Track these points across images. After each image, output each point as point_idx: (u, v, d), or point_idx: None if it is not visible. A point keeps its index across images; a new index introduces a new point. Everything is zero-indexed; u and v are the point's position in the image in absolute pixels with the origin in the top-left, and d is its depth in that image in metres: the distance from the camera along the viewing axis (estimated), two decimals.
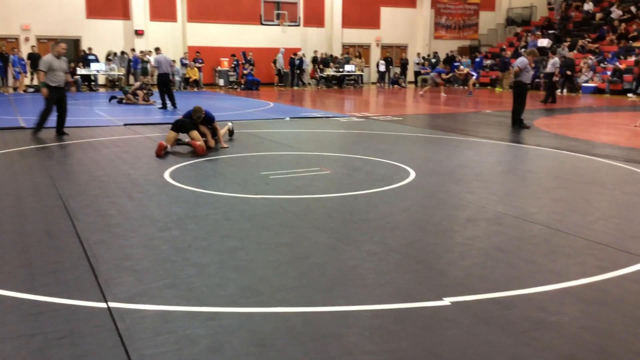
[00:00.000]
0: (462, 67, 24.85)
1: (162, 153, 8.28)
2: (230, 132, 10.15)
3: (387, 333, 3.09)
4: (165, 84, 15.42)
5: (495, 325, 3.18)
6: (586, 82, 22.90)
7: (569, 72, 21.89)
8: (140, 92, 17.26)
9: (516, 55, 24.67)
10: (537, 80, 23.60)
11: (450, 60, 28.54)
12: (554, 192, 6.35)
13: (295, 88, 26.61)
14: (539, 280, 3.81)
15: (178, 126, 8.72)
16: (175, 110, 14.90)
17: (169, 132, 8.73)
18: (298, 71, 27.17)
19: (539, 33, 28.17)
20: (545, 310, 3.36)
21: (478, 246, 4.50)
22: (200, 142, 8.47)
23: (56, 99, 10.19)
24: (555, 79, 19.04)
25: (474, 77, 22.81)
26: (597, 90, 22.64)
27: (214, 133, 9.13)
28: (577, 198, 6.09)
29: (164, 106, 15.36)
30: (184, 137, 8.85)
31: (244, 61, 25.86)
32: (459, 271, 3.97)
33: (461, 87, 26.17)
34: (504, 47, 29.28)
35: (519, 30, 31.23)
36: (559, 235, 4.77)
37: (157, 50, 16.59)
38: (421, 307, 3.41)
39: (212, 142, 8.93)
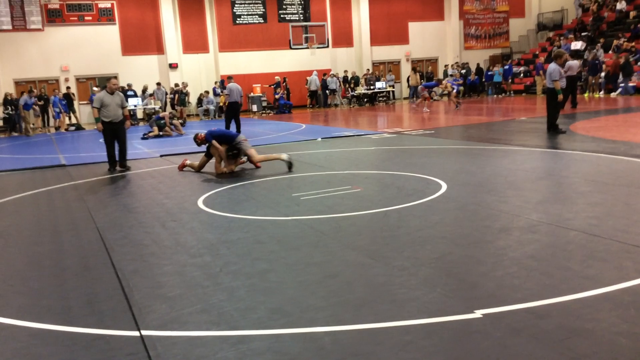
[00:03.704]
0: (445, 81, 23.70)
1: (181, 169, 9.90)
2: (289, 165, 9.20)
3: (417, 349, 3.05)
4: (234, 112, 15.66)
5: (528, 335, 3.10)
6: (621, 83, 22.29)
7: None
8: (176, 122, 17.68)
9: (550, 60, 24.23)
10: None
11: (479, 71, 28.24)
12: (590, 197, 6.19)
13: (328, 108, 26.77)
14: (574, 287, 3.70)
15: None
16: None
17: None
18: (329, 92, 27.36)
19: (571, 36, 27.69)
20: (581, 317, 3.27)
21: (511, 256, 4.41)
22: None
23: (111, 133, 10.42)
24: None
25: (454, 90, 21.79)
26: (637, 90, 22.02)
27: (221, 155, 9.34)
28: (614, 201, 5.92)
29: None
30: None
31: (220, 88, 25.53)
32: (491, 282, 3.90)
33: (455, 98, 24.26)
34: (537, 52, 28.88)
35: (551, 34, 30.78)
36: (595, 240, 4.64)
37: (230, 79, 16.45)
38: (452, 321, 3.35)
39: (219, 167, 9.28)
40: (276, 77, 26.10)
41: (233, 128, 15.28)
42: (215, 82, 26.10)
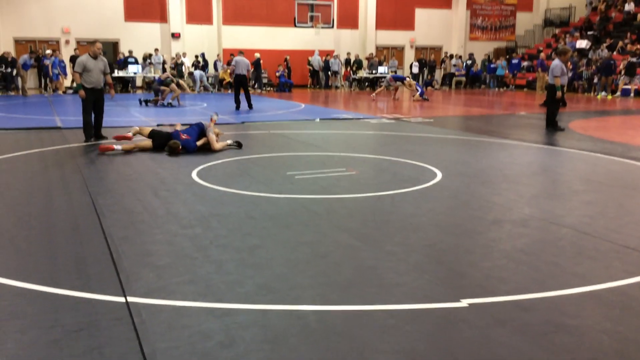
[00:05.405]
0: (409, 80, 22.63)
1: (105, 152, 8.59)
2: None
3: (400, 333, 3.06)
4: (242, 84, 16.03)
5: (513, 327, 3.11)
6: (626, 84, 22.26)
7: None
8: (166, 89, 16.90)
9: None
10: (575, 81, 23.20)
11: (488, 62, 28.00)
12: (584, 195, 6.20)
13: (328, 90, 26.62)
14: (561, 283, 3.72)
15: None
16: (250, 110, 15.67)
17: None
18: (330, 73, 27.19)
19: (577, 34, 27.56)
20: (566, 313, 3.28)
21: (500, 248, 4.42)
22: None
23: (92, 101, 9.88)
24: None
25: (418, 92, 20.96)
26: (637, 93, 21.99)
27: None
28: (608, 201, 5.93)
29: (238, 107, 16.01)
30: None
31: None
32: (479, 273, 3.91)
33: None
34: (541, 48, 28.75)
35: (557, 31, 30.60)
36: (585, 238, 4.65)
37: (241, 53, 16.69)
38: (437, 308, 3.36)
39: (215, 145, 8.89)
40: (256, 54, 25.03)
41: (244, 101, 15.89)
42: (196, 56, 25.42)
